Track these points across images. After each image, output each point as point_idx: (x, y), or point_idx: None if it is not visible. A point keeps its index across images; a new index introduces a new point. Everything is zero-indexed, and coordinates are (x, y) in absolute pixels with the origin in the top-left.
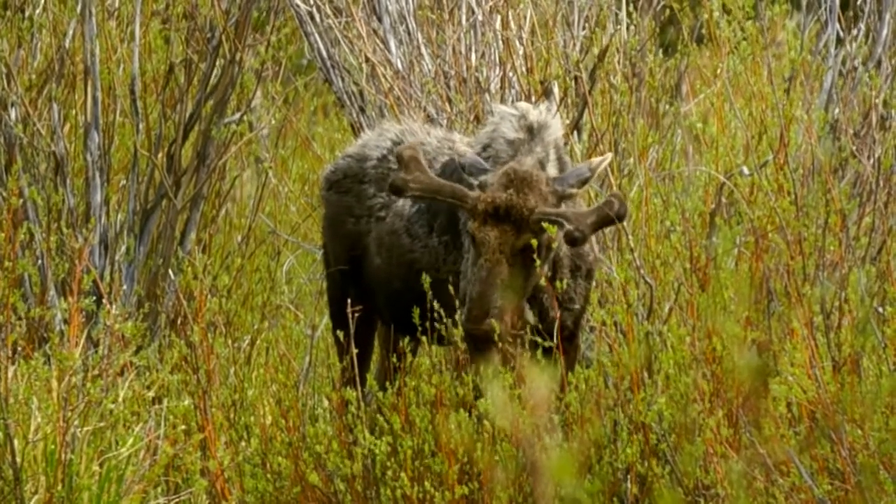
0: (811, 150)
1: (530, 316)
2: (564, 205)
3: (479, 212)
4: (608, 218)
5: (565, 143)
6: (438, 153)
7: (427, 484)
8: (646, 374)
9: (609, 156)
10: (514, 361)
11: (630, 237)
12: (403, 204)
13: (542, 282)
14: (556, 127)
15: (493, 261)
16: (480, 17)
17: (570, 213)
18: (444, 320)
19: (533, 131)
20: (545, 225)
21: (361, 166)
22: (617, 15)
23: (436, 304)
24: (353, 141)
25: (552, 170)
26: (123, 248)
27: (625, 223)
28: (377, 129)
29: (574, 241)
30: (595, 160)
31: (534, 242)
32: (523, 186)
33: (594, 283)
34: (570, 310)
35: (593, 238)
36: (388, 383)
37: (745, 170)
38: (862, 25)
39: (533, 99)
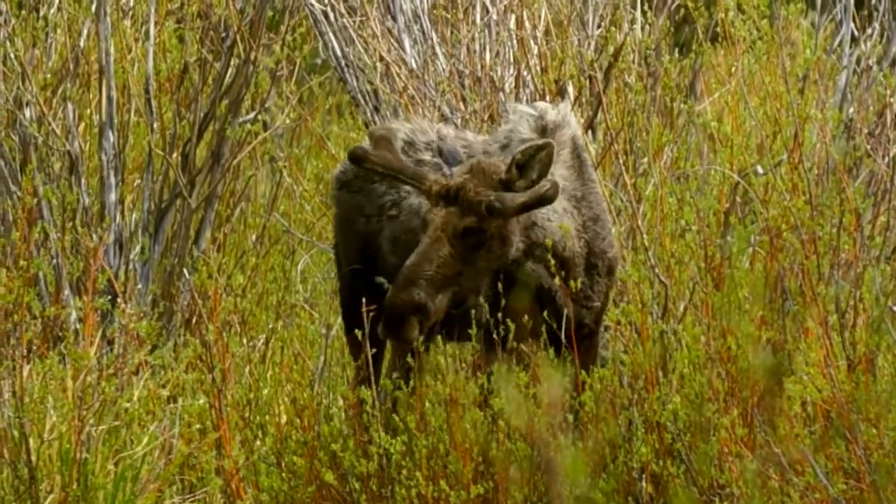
0: (826, 150)
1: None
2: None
3: (433, 194)
4: (537, 198)
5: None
6: None
7: (442, 483)
8: (660, 374)
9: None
10: (529, 360)
11: (645, 236)
12: (419, 202)
13: (556, 281)
14: (573, 125)
15: (433, 237)
16: (495, 17)
17: (505, 194)
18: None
19: (546, 132)
20: (561, 226)
21: None
22: (632, 14)
23: None
24: (365, 141)
25: (563, 169)
26: (138, 248)
27: (641, 224)
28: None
29: (492, 210)
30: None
31: (487, 227)
32: (479, 174)
33: (615, 281)
34: (589, 308)
35: (614, 232)
36: (402, 382)
37: (760, 169)
38: (876, 24)
39: (548, 98)
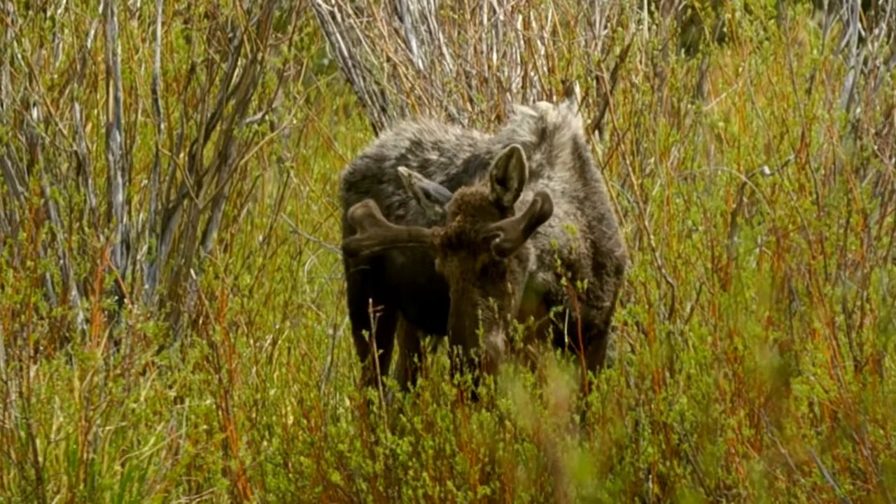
0: (833, 150)
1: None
2: (507, 215)
3: (438, 247)
4: (536, 217)
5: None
6: (458, 150)
7: (449, 483)
8: (667, 374)
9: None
10: (535, 361)
11: (652, 237)
12: (426, 203)
13: (563, 282)
14: (574, 125)
15: (460, 290)
16: (502, 17)
17: (505, 224)
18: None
19: (545, 135)
20: (567, 226)
21: (380, 166)
22: (639, 14)
23: None
24: (373, 140)
25: (562, 171)
26: (145, 248)
27: (647, 224)
28: (395, 128)
29: (503, 251)
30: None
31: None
32: (469, 209)
33: (624, 280)
34: (599, 308)
35: (620, 233)
36: (409, 383)
37: (767, 169)
38: (884, 25)
39: (554, 99)
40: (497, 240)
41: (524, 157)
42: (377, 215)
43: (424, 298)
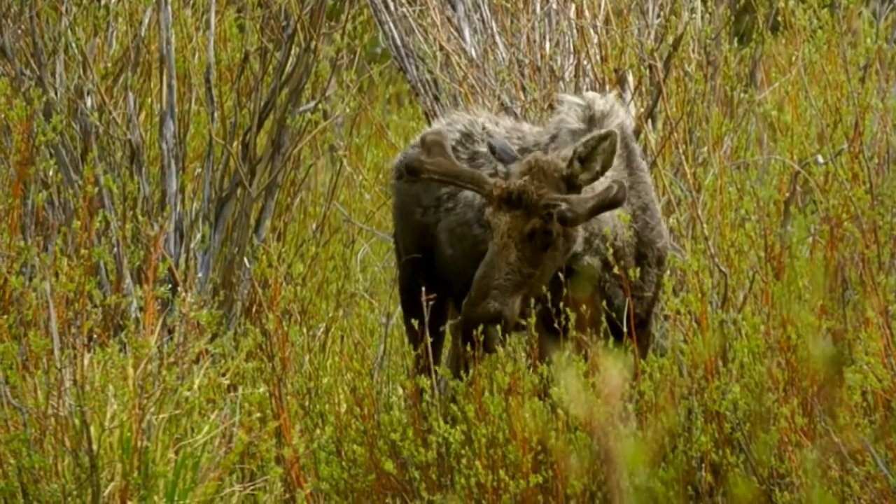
0: (886, 139)
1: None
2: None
3: (494, 198)
4: (607, 202)
5: (637, 132)
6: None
7: (501, 472)
8: (720, 363)
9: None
10: (587, 350)
11: (705, 225)
12: (473, 195)
13: (616, 270)
14: (621, 114)
15: (500, 244)
16: (555, 6)
17: (571, 198)
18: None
19: (594, 122)
20: (619, 214)
21: None
22: (692, 3)
23: None
24: (426, 130)
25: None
26: (198, 236)
27: (700, 213)
28: (446, 118)
29: (565, 220)
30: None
31: (553, 229)
32: (538, 174)
33: (666, 270)
34: (641, 298)
35: (663, 223)
36: (461, 371)
37: (820, 158)
38: None
39: (607, 88)
40: (563, 206)
41: (618, 143)
42: (446, 147)
43: None
